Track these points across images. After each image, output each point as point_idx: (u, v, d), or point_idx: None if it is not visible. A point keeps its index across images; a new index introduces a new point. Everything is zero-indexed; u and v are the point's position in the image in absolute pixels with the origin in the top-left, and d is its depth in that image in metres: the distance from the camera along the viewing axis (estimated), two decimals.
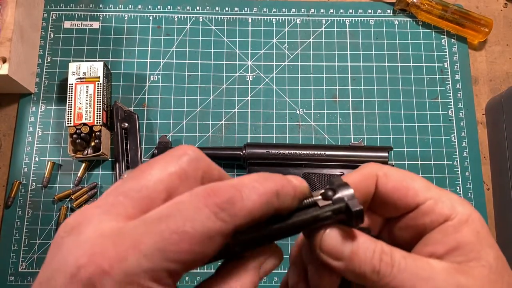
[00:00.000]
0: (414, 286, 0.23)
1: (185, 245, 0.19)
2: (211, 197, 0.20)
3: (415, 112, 0.65)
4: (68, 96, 0.59)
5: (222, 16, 0.68)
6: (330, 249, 0.24)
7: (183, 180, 0.22)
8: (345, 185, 0.24)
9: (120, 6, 0.68)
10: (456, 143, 0.64)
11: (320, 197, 0.24)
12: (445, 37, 0.68)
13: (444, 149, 0.64)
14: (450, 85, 0.66)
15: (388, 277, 0.24)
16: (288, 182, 0.23)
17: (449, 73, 0.67)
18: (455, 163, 0.63)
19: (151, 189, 0.21)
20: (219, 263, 0.24)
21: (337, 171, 0.57)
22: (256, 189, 0.21)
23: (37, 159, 0.61)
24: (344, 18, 0.69)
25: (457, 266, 0.25)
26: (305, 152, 0.57)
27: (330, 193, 0.24)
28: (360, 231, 0.25)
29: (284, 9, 0.69)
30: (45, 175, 0.60)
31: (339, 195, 0.24)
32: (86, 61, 0.64)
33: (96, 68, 0.60)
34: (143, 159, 0.62)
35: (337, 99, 0.65)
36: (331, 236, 0.24)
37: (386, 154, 0.58)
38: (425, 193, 0.26)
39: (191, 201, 0.20)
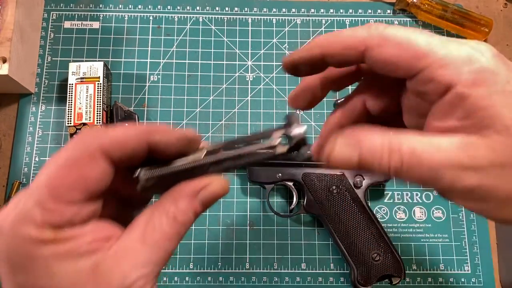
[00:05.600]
0: (421, 177, 0.22)
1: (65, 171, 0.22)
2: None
3: None
4: (68, 96, 0.59)
5: (222, 16, 0.68)
6: (338, 163, 0.24)
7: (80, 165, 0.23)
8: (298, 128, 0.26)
9: (120, 6, 0.68)
10: None
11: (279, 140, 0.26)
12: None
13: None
14: None
15: (400, 174, 0.23)
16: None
17: None
18: None
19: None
20: None
21: (337, 171, 0.57)
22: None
23: (37, 159, 0.61)
24: (344, 18, 0.69)
25: (468, 140, 0.22)
26: None
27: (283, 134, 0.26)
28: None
29: (284, 9, 0.69)
30: None
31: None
32: (86, 61, 0.64)
33: (96, 68, 0.60)
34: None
35: (337, 99, 0.65)
36: (337, 151, 0.24)
37: None
38: (425, 60, 0.23)
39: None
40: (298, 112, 0.64)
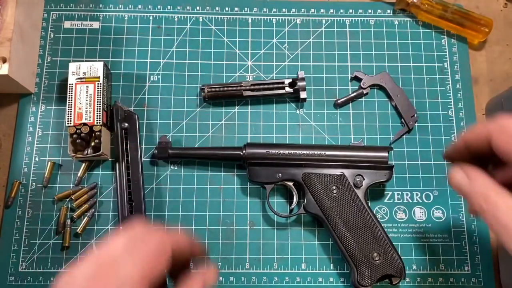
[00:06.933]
0: (491, 228, 0.34)
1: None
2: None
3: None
4: (68, 96, 0.59)
5: (222, 16, 0.68)
6: (452, 183, 0.37)
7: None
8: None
9: (120, 6, 0.68)
10: None
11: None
12: (445, 37, 0.68)
13: (444, 149, 0.64)
14: (450, 85, 0.66)
15: (481, 216, 0.34)
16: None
17: (449, 73, 0.67)
18: None
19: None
20: None
21: (337, 171, 0.57)
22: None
23: (37, 159, 0.61)
24: (344, 18, 0.69)
25: None
26: (305, 152, 0.57)
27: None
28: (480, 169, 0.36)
29: (284, 9, 0.69)
30: (45, 175, 0.60)
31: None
32: (86, 61, 0.64)
33: (96, 68, 0.60)
34: (143, 159, 0.62)
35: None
36: (455, 174, 0.37)
37: (386, 154, 0.58)
38: None
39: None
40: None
